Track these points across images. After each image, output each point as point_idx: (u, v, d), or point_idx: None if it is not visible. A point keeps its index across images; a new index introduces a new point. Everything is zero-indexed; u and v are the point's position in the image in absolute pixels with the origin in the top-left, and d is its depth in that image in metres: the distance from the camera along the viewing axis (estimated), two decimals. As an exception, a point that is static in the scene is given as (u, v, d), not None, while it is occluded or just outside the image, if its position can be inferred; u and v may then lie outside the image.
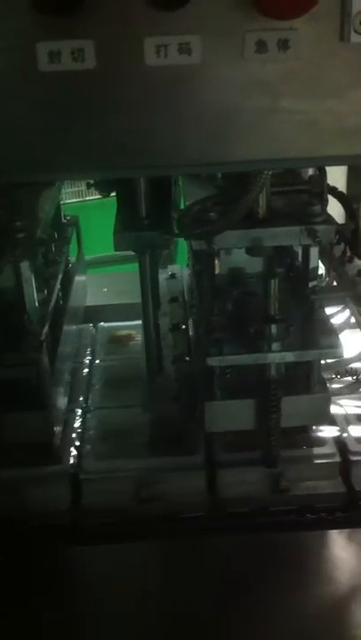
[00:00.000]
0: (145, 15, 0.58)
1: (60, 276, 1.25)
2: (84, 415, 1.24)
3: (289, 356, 1.02)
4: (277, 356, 1.02)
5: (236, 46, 0.59)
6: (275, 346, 1.02)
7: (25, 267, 1.02)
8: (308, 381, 1.09)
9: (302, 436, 1.15)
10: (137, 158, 0.63)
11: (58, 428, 1.15)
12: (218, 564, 1.05)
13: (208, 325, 1.04)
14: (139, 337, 1.47)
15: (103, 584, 1.04)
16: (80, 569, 1.09)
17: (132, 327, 1.48)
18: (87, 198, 2.39)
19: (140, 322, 1.45)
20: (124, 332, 1.48)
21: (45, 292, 1.14)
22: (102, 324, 1.50)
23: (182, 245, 1.35)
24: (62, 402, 1.22)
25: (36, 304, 1.07)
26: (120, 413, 1.24)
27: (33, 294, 1.06)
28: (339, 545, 1.09)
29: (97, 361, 1.39)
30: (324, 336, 1.04)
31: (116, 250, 1.06)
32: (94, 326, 1.50)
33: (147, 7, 0.57)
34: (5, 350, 1.04)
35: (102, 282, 1.65)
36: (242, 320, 1.06)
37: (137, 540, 1.09)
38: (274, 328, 1.01)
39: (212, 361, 1.03)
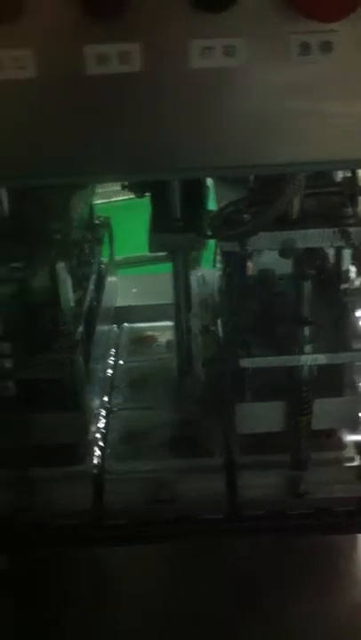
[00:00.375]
0: (190, 17, 0.60)
1: (94, 277, 1.27)
2: (107, 416, 1.27)
3: (321, 359, 1.04)
4: (310, 359, 1.03)
5: (280, 48, 0.62)
6: (307, 348, 1.03)
7: (60, 268, 1.04)
8: (339, 384, 1.10)
9: (322, 439, 1.16)
10: (179, 160, 0.65)
11: (90, 430, 1.17)
12: (236, 567, 1.07)
13: (239, 327, 1.06)
14: (162, 338, 1.51)
15: (122, 584, 1.07)
16: (99, 568, 1.11)
17: (155, 328, 1.52)
18: (113, 199, 2.43)
19: (163, 323, 1.50)
20: (148, 334, 1.51)
21: (79, 292, 1.15)
22: (126, 324, 1.53)
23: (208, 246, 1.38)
24: (95, 403, 1.25)
25: (71, 305, 1.09)
26: (143, 414, 1.27)
27: (68, 295, 1.08)
28: (358, 549, 1.10)
29: (120, 362, 1.41)
30: (357, 338, 1.05)
31: (150, 251, 1.09)
32: (118, 327, 1.52)
33: (192, 10, 0.60)
34: (40, 351, 1.06)
35: (128, 283, 1.68)
36: (273, 322, 1.08)
37: (156, 541, 1.11)
38: (306, 330, 1.02)
39: (245, 362, 1.05)
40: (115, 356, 1.43)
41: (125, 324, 1.53)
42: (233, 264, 1.13)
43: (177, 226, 1.09)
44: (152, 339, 1.49)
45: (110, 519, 1.13)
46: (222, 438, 1.18)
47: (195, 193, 1.12)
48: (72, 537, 1.12)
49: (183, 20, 0.60)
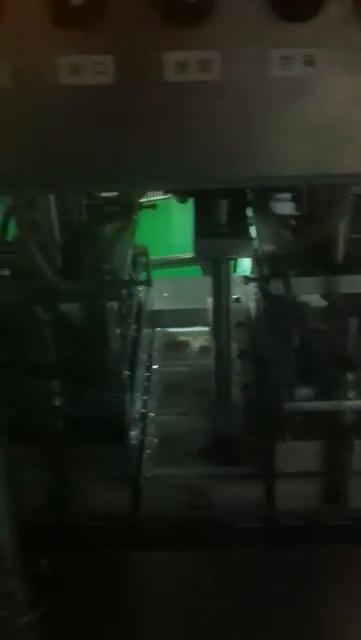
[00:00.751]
0: (272, 27, 0.60)
1: (135, 309, 1.28)
2: (143, 420, 1.27)
3: None
4: (355, 403, 1.05)
5: (359, 57, 0.61)
6: (351, 392, 1.05)
7: (110, 309, 1.05)
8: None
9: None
10: (249, 168, 0.64)
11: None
12: (272, 575, 1.06)
13: (282, 369, 1.07)
14: (195, 344, 1.51)
15: (157, 589, 1.06)
16: (134, 574, 1.11)
17: (188, 333, 1.51)
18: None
19: (196, 328, 1.50)
20: (181, 339, 1.51)
21: (123, 327, 1.15)
22: (158, 329, 1.53)
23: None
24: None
25: (118, 343, 1.09)
26: (179, 420, 1.27)
27: (116, 334, 1.08)
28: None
29: (154, 366, 1.42)
30: None
31: (195, 256, 1.09)
32: (151, 331, 1.51)
33: (274, 19, 0.59)
34: (89, 390, 1.08)
35: (159, 286, 1.67)
36: (316, 363, 1.08)
37: (191, 548, 1.11)
38: (350, 374, 1.04)
39: (289, 406, 1.06)
40: (148, 361, 1.43)
41: (158, 328, 1.53)
42: (274, 304, 1.12)
43: (222, 231, 1.09)
44: (185, 344, 1.49)
45: (146, 524, 1.13)
46: (260, 446, 1.18)
47: (239, 198, 1.13)
48: (107, 540, 1.12)
49: (265, 28, 0.59)
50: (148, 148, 0.63)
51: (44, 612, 0.97)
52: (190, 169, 0.64)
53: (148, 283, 1.30)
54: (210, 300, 1.34)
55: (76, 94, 0.61)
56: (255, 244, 1.15)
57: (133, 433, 1.18)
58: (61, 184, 0.66)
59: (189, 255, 2.53)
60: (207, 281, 1.28)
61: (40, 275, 0.92)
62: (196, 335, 1.49)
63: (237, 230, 1.09)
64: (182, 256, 2.56)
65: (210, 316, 1.34)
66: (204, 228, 1.09)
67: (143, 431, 1.24)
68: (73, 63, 0.60)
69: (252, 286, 1.36)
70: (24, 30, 0.59)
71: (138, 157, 0.63)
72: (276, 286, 1.04)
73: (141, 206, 1.28)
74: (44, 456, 1.09)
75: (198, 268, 2.47)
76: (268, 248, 1.13)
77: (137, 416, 1.24)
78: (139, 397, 1.26)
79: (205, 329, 1.44)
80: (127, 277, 1.12)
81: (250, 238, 1.12)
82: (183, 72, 0.60)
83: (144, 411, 1.28)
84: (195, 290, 1.55)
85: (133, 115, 0.62)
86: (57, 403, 1.08)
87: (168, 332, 1.52)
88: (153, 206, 1.29)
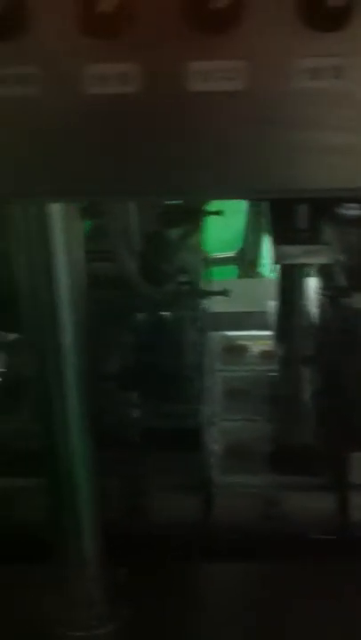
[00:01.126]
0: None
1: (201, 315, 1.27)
2: (208, 427, 1.25)
3: None
4: None
5: None
6: None
7: (187, 318, 1.06)
8: None
9: None
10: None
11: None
12: (344, 588, 1.06)
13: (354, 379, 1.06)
14: (254, 348, 1.49)
15: (228, 601, 1.06)
16: (200, 585, 1.10)
17: (245, 337, 1.50)
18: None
19: (254, 332, 1.49)
20: (238, 343, 1.49)
21: (194, 334, 1.16)
22: (213, 332, 1.51)
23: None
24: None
25: (191, 351, 1.10)
26: (244, 427, 1.25)
27: (189, 342, 1.09)
28: None
29: (215, 371, 1.40)
30: None
31: (276, 262, 1.08)
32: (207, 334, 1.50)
33: None
34: (163, 398, 1.08)
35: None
36: None
37: (260, 559, 1.11)
38: None
39: None
40: (208, 365, 1.41)
41: (213, 331, 1.51)
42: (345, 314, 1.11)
43: (303, 237, 1.07)
44: (243, 348, 1.47)
45: (217, 533, 1.12)
46: (332, 456, 1.17)
47: (316, 203, 1.11)
48: (178, 550, 1.11)
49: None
50: (277, 154, 0.62)
51: (123, 622, 0.96)
52: (298, 178, 0.62)
53: (225, 293, 1.27)
54: (271, 304, 1.32)
55: (203, 100, 0.60)
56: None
57: (204, 440, 1.17)
58: (185, 190, 0.65)
59: (227, 255, 2.50)
60: (254, 283, 1.25)
61: (128, 282, 0.91)
62: (255, 339, 1.47)
63: (316, 235, 1.07)
64: (220, 255, 2.54)
65: (271, 320, 1.32)
66: (283, 232, 1.07)
67: (212, 438, 1.22)
68: (202, 69, 0.59)
69: (314, 291, 1.35)
70: (156, 34, 0.57)
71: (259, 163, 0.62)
72: (357, 299, 1.03)
73: (207, 212, 1.26)
74: (117, 464, 1.08)
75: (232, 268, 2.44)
76: (340, 257, 1.11)
77: (206, 423, 1.23)
78: (207, 404, 1.25)
79: (264, 333, 1.43)
80: (202, 286, 1.12)
81: (328, 243, 1.10)
82: (316, 79, 0.59)
83: (211, 418, 1.27)
84: (244, 292, 1.54)
85: (263, 121, 0.61)
86: (130, 411, 1.07)
87: (226, 336, 1.50)
88: (218, 212, 1.28)
